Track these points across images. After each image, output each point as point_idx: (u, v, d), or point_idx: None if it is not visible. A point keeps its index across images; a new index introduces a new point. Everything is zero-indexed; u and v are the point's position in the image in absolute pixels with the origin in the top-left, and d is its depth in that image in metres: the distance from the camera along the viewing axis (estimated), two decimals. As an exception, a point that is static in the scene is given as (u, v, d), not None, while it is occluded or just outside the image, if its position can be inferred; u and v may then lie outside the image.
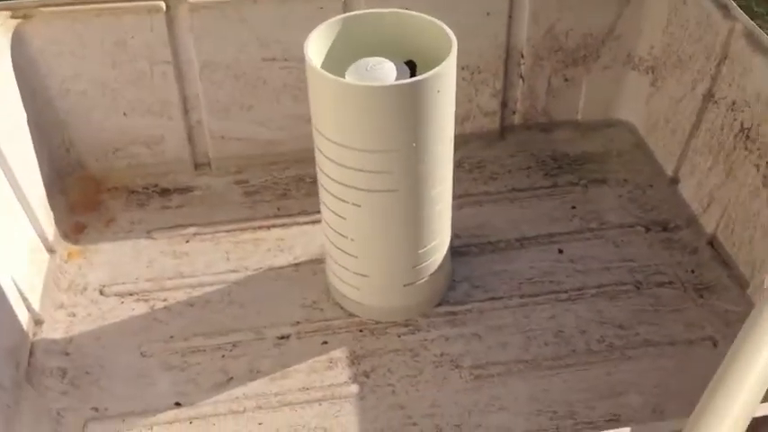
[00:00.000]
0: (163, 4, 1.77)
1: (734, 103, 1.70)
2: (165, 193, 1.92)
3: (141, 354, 1.57)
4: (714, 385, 0.96)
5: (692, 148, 1.85)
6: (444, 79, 1.36)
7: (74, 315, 1.64)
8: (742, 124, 1.67)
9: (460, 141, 1.76)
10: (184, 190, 1.93)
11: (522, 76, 1.99)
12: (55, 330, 1.60)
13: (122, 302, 1.67)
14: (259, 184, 1.95)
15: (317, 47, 1.42)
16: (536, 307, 1.67)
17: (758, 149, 1.63)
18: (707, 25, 1.77)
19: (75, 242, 1.79)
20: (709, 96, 1.78)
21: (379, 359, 1.56)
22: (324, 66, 1.40)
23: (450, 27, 1.42)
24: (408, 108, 1.35)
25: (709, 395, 0.95)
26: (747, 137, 1.66)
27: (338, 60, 1.43)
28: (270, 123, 1.95)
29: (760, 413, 0.96)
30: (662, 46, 1.93)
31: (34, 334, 1.58)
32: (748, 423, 0.93)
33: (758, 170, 1.62)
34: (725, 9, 1.73)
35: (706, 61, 1.78)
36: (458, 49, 1.39)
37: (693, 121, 1.83)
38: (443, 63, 1.35)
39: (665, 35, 1.91)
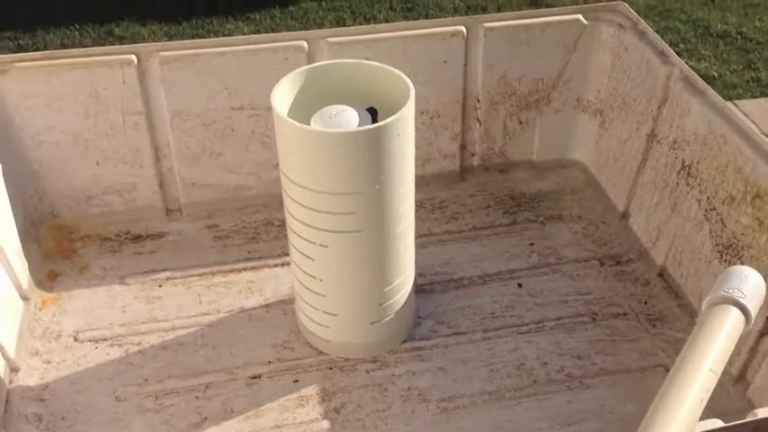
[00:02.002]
0: (134, 58, 1.85)
1: (675, 142, 1.81)
2: (137, 239, 1.98)
3: (116, 398, 1.60)
4: (655, 405, 1.03)
5: (640, 185, 1.95)
6: (404, 124, 1.45)
7: (49, 362, 1.67)
8: (683, 162, 1.79)
9: (422, 183, 1.85)
10: (156, 236, 1.98)
11: (479, 120, 2.10)
12: (30, 377, 1.63)
13: (97, 348, 1.70)
14: (229, 229, 2.01)
15: (283, 96, 1.50)
16: (498, 340, 1.74)
17: (699, 185, 1.74)
18: (647, 71, 1.89)
19: (50, 290, 1.83)
20: (652, 136, 1.90)
21: (349, 395, 1.61)
22: (290, 114, 1.48)
23: (409, 75, 1.52)
24: (371, 152, 1.43)
25: (651, 414, 1.03)
26: (689, 173, 1.77)
27: (303, 108, 1.51)
28: (239, 169, 2.01)
29: (699, 430, 1.04)
30: (608, 90, 2.05)
31: (10, 381, 1.61)
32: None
33: (700, 205, 1.73)
34: (663, 55, 1.86)
35: (648, 104, 1.90)
36: (417, 96, 1.48)
37: (640, 160, 1.94)
38: (402, 109, 1.44)
39: (610, 80, 2.03)
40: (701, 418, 1.07)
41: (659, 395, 1.06)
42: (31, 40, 4.07)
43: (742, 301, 1.15)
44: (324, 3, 4.45)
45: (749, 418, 1.08)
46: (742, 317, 1.15)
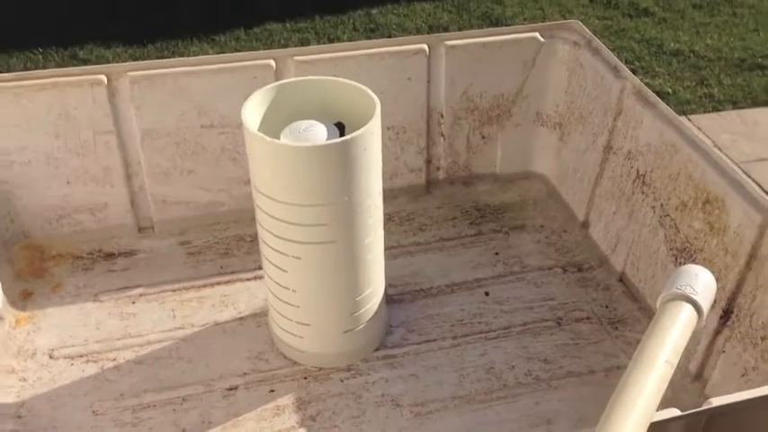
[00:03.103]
0: (104, 77, 1.88)
1: (630, 153, 1.90)
2: (109, 257, 2.00)
3: (93, 412, 1.62)
4: (615, 396, 1.09)
5: (598, 195, 2.04)
6: (370, 138, 1.51)
7: (25, 379, 1.68)
8: (638, 171, 1.87)
9: (389, 196, 1.91)
10: (129, 253, 2.01)
11: (443, 135, 2.17)
12: (7, 395, 1.64)
13: (72, 364, 1.72)
14: (201, 245, 2.04)
15: (253, 112, 1.55)
16: (467, 346, 1.79)
17: (653, 193, 1.82)
18: (602, 85, 1.98)
19: (23, 308, 1.84)
20: (608, 148, 1.98)
21: (324, 403, 1.65)
22: (260, 129, 1.53)
23: (375, 91, 1.57)
24: (340, 165, 1.49)
25: (611, 405, 1.09)
26: (643, 182, 1.86)
27: (273, 124, 1.56)
28: (210, 186, 2.05)
29: (657, 418, 1.10)
30: (566, 104, 2.14)
31: (-15, 399, 1.62)
32: (647, 427, 1.07)
33: (654, 211, 1.81)
34: (616, 71, 1.95)
35: (604, 117, 1.99)
36: (383, 112, 1.54)
37: (597, 171, 2.03)
38: (369, 123, 1.50)
39: (567, 95, 2.12)
40: (659, 409, 1.13)
41: (618, 387, 1.12)
42: (-6, 64, 4.06)
43: (694, 297, 1.23)
44: (288, 24, 4.52)
45: (705, 407, 1.15)
46: (694, 312, 1.22)
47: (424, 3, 4.79)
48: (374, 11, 4.69)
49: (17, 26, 4.37)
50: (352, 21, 4.60)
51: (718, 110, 3.80)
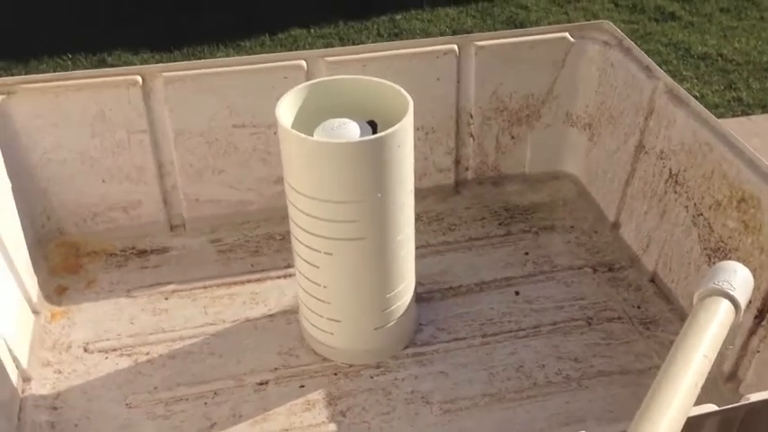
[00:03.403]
0: (139, 78, 1.91)
1: (662, 152, 1.89)
2: (142, 254, 2.02)
3: (127, 405, 1.64)
4: (653, 390, 1.09)
5: (629, 195, 2.03)
6: (404, 135, 1.52)
7: (60, 372, 1.70)
8: (670, 171, 1.86)
9: (418, 196, 1.90)
10: (161, 250, 2.03)
11: (472, 135, 2.17)
12: (43, 386, 1.67)
13: (106, 358, 1.74)
14: (232, 243, 2.06)
15: (286, 110, 1.57)
16: (497, 345, 1.79)
17: (686, 192, 1.81)
18: (633, 85, 1.98)
19: (58, 303, 1.87)
20: (640, 147, 1.97)
21: (354, 399, 1.66)
22: (293, 127, 1.54)
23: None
24: (373, 162, 1.50)
25: (649, 399, 1.08)
26: (676, 182, 1.85)
27: (306, 122, 1.58)
28: (240, 185, 2.07)
29: (693, 413, 1.10)
30: (596, 104, 2.13)
31: (23, 390, 1.65)
32: (683, 422, 1.06)
33: (687, 211, 1.80)
34: (648, 70, 1.95)
35: (635, 116, 1.98)
36: (412, 113, 1.55)
37: (628, 171, 2.02)
38: (402, 120, 1.51)
39: (597, 95, 2.12)
40: (696, 404, 1.12)
41: (656, 381, 1.11)
42: (25, 70, 4.13)
43: (731, 292, 1.22)
44: (312, 30, 4.55)
45: (743, 402, 1.14)
46: (732, 307, 1.21)
47: (447, 8, 4.80)
48: (398, 16, 4.71)
49: (46, 33, 4.45)
50: (376, 26, 4.62)
51: (747, 114, 3.77)
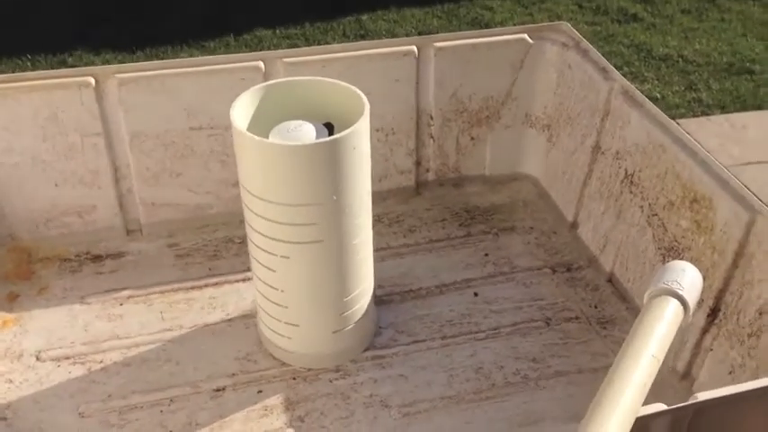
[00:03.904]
0: (92, 80, 1.88)
1: (618, 153, 1.91)
2: (97, 259, 1.99)
3: (80, 414, 1.61)
4: (602, 389, 1.09)
5: (587, 195, 2.04)
6: (359, 137, 1.51)
7: (11, 381, 1.67)
8: (626, 171, 1.88)
9: (379, 198, 1.91)
10: (117, 255, 2.00)
11: (432, 137, 2.17)
12: (-8, 396, 1.63)
13: (59, 366, 1.71)
14: (190, 247, 2.03)
15: (242, 112, 1.55)
16: (457, 347, 1.79)
17: (641, 192, 1.83)
18: (590, 86, 1.99)
19: (10, 310, 1.83)
20: (596, 148, 1.99)
21: (313, 404, 1.65)
22: (249, 129, 1.53)
23: (363, 92, 1.57)
24: (328, 164, 1.49)
25: (598, 399, 1.09)
26: (631, 182, 1.86)
27: (262, 124, 1.56)
28: (198, 188, 2.05)
29: (642, 413, 1.10)
30: (554, 105, 2.14)
31: (-29, 401, 1.61)
32: (632, 422, 1.07)
33: (642, 211, 1.82)
34: (604, 71, 1.96)
35: (591, 117, 1.99)
36: (372, 113, 1.54)
37: (586, 171, 2.03)
38: (357, 122, 1.50)
39: (555, 96, 2.13)
40: (648, 403, 1.13)
41: (605, 381, 1.12)
42: (-19, 71, 4.05)
43: (680, 292, 1.23)
44: (278, 30, 4.52)
45: (690, 401, 1.15)
46: (681, 307, 1.23)
47: (414, 9, 4.80)
48: (364, 17, 4.70)
49: (6, 32, 4.36)
50: (342, 27, 4.60)
51: (707, 114, 3.82)
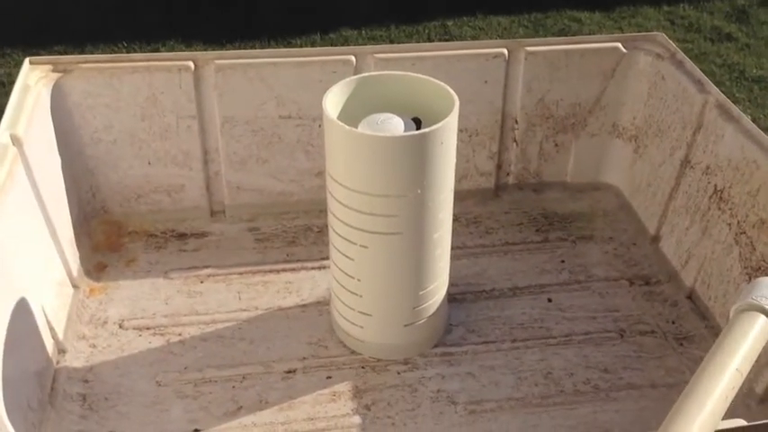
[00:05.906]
0: (191, 64, 1.95)
1: (708, 168, 1.86)
2: (182, 237, 2.06)
3: (157, 383, 1.67)
4: (681, 400, 1.07)
5: (672, 209, 2.00)
6: (447, 132, 1.52)
7: (94, 346, 1.74)
8: (715, 187, 1.83)
9: (458, 198, 1.91)
10: (200, 235, 2.06)
11: (516, 141, 2.16)
12: (77, 359, 1.71)
13: (140, 336, 1.78)
14: (270, 232, 2.08)
15: (333, 102, 1.58)
16: (527, 350, 1.78)
17: (730, 209, 1.78)
18: (683, 98, 1.95)
19: (98, 279, 1.91)
20: (685, 162, 1.94)
21: (380, 393, 1.66)
22: (339, 119, 1.56)
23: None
24: (415, 157, 1.50)
25: (677, 408, 1.07)
26: (720, 198, 1.82)
27: (352, 115, 1.59)
28: (282, 176, 2.09)
29: (722, 426, 1.08)
30: (643, 117, 2.11)
31: (57, 362, 1.69)
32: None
33: (730, 228, 1.77)
34: (699, 84, 1.92)
35: (683, 130, 1.95)
36: (458, 112, 1.55)
37: (672, 185, 1.99)
38: (447, 118, 1.51)
39: (646, 107, 2.09)
40: (725, 418, 1.10)
41: (685, 390, 1.10)
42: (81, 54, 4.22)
43: (769, 308, 1.19)
44: (364, 31, 4.58)
45: (773, 420, 1.12)
46: (769, 324, 1.19)
47: (500, 17, 4.78)
48: (450, 22, 4.70)
49: (105, 20, 4.56)
50: (427, 31, 4.62)
51: (800, 139, 3.68)
